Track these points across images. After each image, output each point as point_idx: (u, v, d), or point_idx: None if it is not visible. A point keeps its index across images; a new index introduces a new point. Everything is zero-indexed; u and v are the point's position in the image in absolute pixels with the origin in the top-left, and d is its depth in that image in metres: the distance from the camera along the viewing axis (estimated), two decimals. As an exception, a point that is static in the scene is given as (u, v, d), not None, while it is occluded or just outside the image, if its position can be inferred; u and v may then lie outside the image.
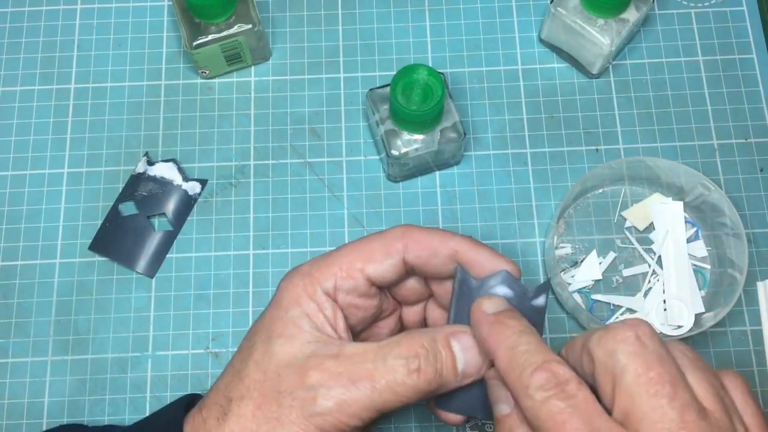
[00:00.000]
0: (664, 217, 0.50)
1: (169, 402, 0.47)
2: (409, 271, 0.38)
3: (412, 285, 0.40)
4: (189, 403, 0.39)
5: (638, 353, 0.30)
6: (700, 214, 0.50)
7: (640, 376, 0.29)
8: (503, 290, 0.36)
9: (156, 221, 0.51)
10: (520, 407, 0.31)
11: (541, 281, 0.50)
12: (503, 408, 0.33)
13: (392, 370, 0.34)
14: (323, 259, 0.38)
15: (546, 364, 0.30)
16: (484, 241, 0.50)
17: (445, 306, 0.40)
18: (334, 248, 0.38)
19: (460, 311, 0.37)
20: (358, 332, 0.40)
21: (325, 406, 0.34)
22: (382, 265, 0.37)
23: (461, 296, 0.37)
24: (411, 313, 0.42)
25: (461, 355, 0.35)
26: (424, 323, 0.42)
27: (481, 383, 0.36)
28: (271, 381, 0.35)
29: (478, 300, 0.35)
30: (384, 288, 0.39)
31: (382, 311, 0.40)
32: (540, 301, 0.37)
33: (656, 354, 0.30)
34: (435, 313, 0.41)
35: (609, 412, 0.30)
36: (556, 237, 0.51)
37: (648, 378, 0.29)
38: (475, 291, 0.37)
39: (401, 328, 0.42)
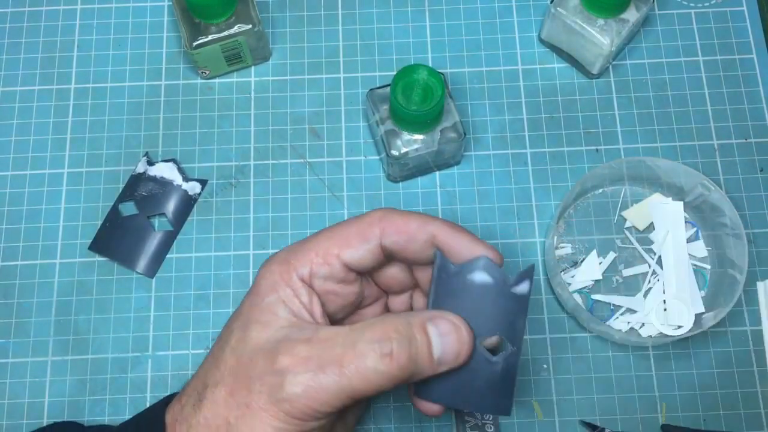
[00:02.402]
0: (664, 217, 0.50)
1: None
2: (387, 256, 0.38)
3: (395, 273, 0.40)
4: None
5: None
6: (700, 214, 0.50)
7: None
8: (482, 276, 0.36)
9: (156, 221, 0.51)
10: None
11: (542, 282, 0.50)
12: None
13: (362, 355, 0.33)
14: (300, 245, 0.37)
15: None
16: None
17: (425, 288, 0.39)
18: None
19: (439, 297, 0.36)
20: (339, 319, 0.39)
21: (293, 392, 0.33)
22: (358, 250, 0.36)
23: (440, 282, 0.36)
24: (397, 302, 0.41)
25: (438, 341, 0.34)
26: None
27: (463, 372, 0.35)
28: (243, 366, 0.34)
29: None
30: (364, 274, 0.39)
31: (364, 298, 0.40)
32: (522, 287, 0.36)
33: None
34: (420, 302, 0.41)
35: None
36: (556, 237, 0.51)
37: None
38: (453, 277, 0.36)
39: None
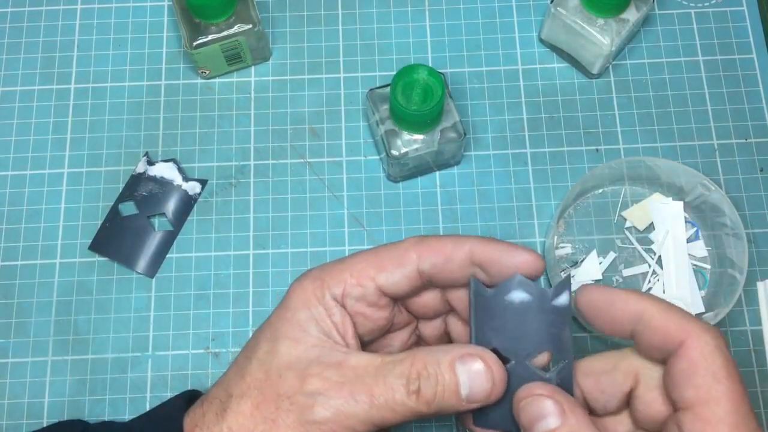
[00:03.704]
0: (664, 217, 0.50)
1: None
2: (425, 282, 0.37)
3: (428, 300, 0.39)
4: (190, 398, 0.39)
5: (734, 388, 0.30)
6: (700, 214, 0.50)
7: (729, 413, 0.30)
8: (520, 295, 0.35)
9: (156, 221, 0.51)
10: None
11: (542, 282, 0.50)
12: (550, 422, 0.32)
13: (391, 389, 0.33)
14: (335, 264, 0.37)
15: None
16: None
17: (464, 314, 0.39)
18: (341, 251, 0.38)
19: (480, 323, 0.36)
20: (366, 343, 0.39)
21: (323, 415, 0.33)
22: (393, 275, 0.36)
23: (478, 309, 0.36)
24: (429, 328, 0.41)
25: (466, 380, 0.34)
26: (444, 337, 0.41)
27: (509, 397, 0.35)
28: (271, 381, 0.35)
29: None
30: (397, 300, 0.38)
31: (393, 325, 0.39)
32: (562, 300, 0.35)
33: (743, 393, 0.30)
34: (457, 327, 0.40)
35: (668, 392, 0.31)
36: (556, 237, 0.51)
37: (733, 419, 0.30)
38: (491, 300, 0.35)
39: (415, 341, 0.42)
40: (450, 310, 0.40)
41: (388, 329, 0.39)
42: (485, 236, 0.37)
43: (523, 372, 0.35)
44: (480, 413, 0.36)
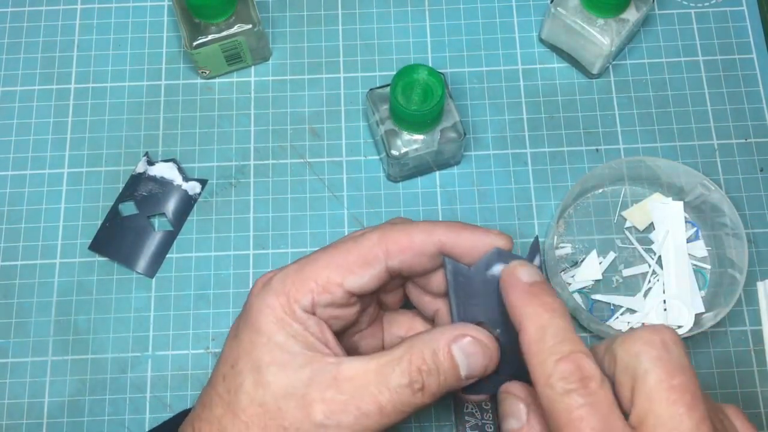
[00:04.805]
0: (664, 217, 0.50)
1: (168, 403, 0.47)
2: (394, 276, 0.37)
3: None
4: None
5: (662, 359, 0.29)
6: (700, 214, 0.50)
7: (662, 382, 0.29)
8: (501, 267, 0.36)
9: (156, 221, 0.51)
10: (537, 394, 0.31)
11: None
12: (513, 423, 0.33)
13: (397, 393, 0.33)
14: (295, 272, 0.36)
15: (573, 356, 0.30)
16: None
17: (426, 287, 0.39)
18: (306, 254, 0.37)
19: (462, 302, 0.36)
20: (340, 335, 0.38)
21: None
22: (362, 277, 0.36)
23: (458, 287, 0.36)
24: (389, 296, 0.41)
25: (464, 362, 0.34)
26: (403, 299, 0.41)
27: (505, 363, 0.36)
28: (271, 415, 0.34)
29: (512, 265, 0.34)
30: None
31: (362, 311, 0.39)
32: (536, 262, 0.36)
33: (680, 362, 0.30)
34: (415, 291, 0.40)
35: (626, 414, 0.30)
36: (556, 237, 0.51)
37: (670, 385, 0.29)
38: (473, 278, 0.36)
39: (377, 310, 0.42)
40: (408, 278, 0.40)
41: (358, 318, 0.39)
42: (452, 222, 0.37)
43: (509, 338, 0.35)
44: (470, 385, 0.36)
